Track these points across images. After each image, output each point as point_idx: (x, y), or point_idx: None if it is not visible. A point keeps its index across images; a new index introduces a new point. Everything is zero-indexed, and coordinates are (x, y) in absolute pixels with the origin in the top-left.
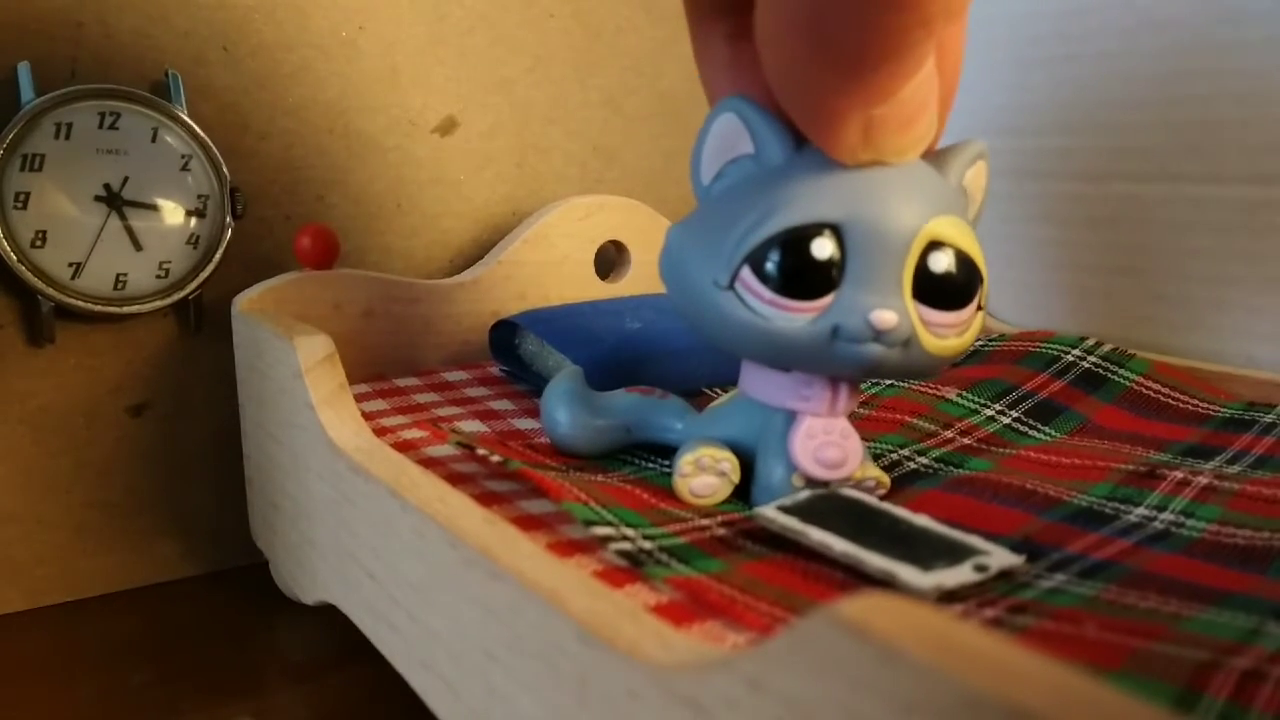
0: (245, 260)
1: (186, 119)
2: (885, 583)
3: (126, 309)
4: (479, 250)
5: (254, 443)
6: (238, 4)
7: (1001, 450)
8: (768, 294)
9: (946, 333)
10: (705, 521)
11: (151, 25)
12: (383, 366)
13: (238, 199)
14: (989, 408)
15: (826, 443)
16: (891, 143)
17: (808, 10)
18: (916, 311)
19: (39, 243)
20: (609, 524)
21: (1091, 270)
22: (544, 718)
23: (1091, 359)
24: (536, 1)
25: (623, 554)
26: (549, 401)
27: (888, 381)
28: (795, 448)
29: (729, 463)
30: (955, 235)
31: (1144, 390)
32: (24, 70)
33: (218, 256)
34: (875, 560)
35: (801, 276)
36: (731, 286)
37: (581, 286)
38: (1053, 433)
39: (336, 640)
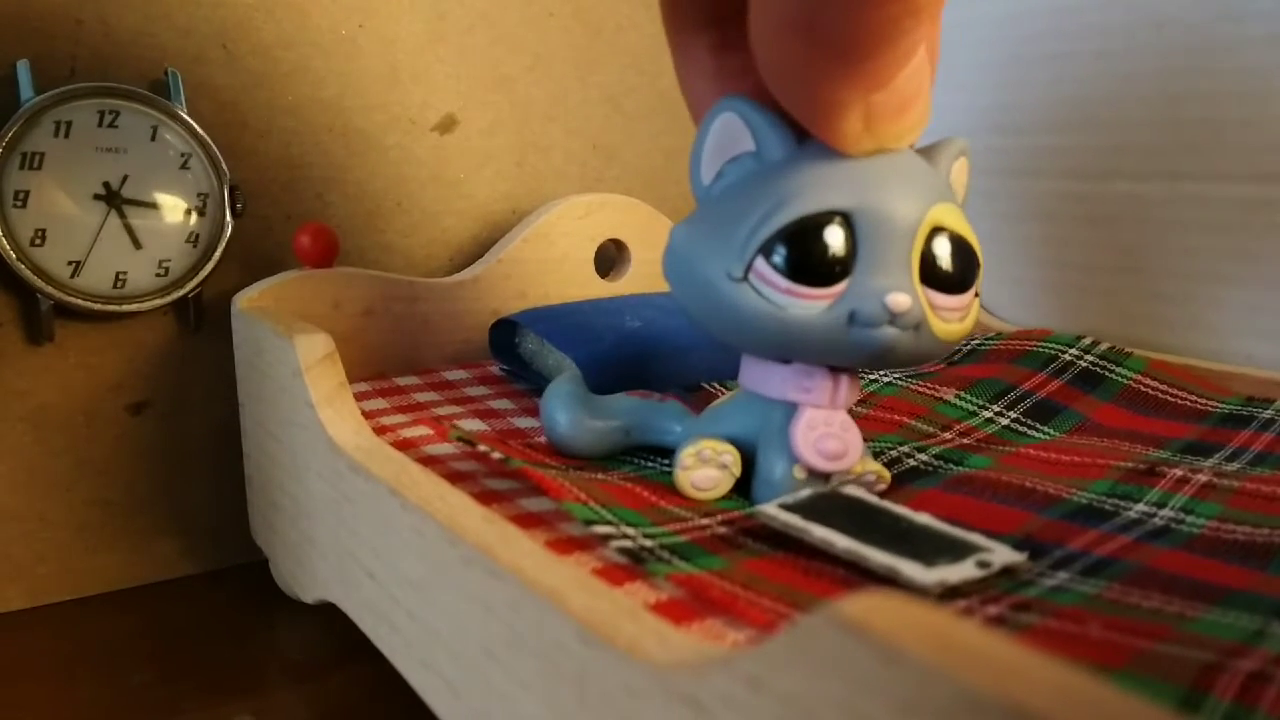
0: (245, 258)
1: (186, 117)
2: (888, 579)
3: (126, 307)
4: (479, 249)
5: (254, 441)
6: (237, 2)
7: (1001, 449)
8: (784, 283)
9: (951, 316)
10: (705, 520)
11: (151, 23)
12: (382, 365)
13: (237, 197)
14: (987, 409)
15: (827, 434)
16: (891, 128)
17: (800, 7)
18: (925, 296)
19: (38, 241)
20: (609, 523)
21: (1090, 269)
22: (544, 716)
23: (1089, 358)
24: None
25: (623, 551)
26: (548, 404)
27: (886, 380)
28: (796, 439)
29: (730, 455)
30: (955, 222)
31: (1142, 388)
32: (23, 68)
33: (217, 255)
34: (878, 556)
35: (817, 264)
36: (746, 278)
37: (581, 285)
38: (1052, 431)
39: (336, 639)
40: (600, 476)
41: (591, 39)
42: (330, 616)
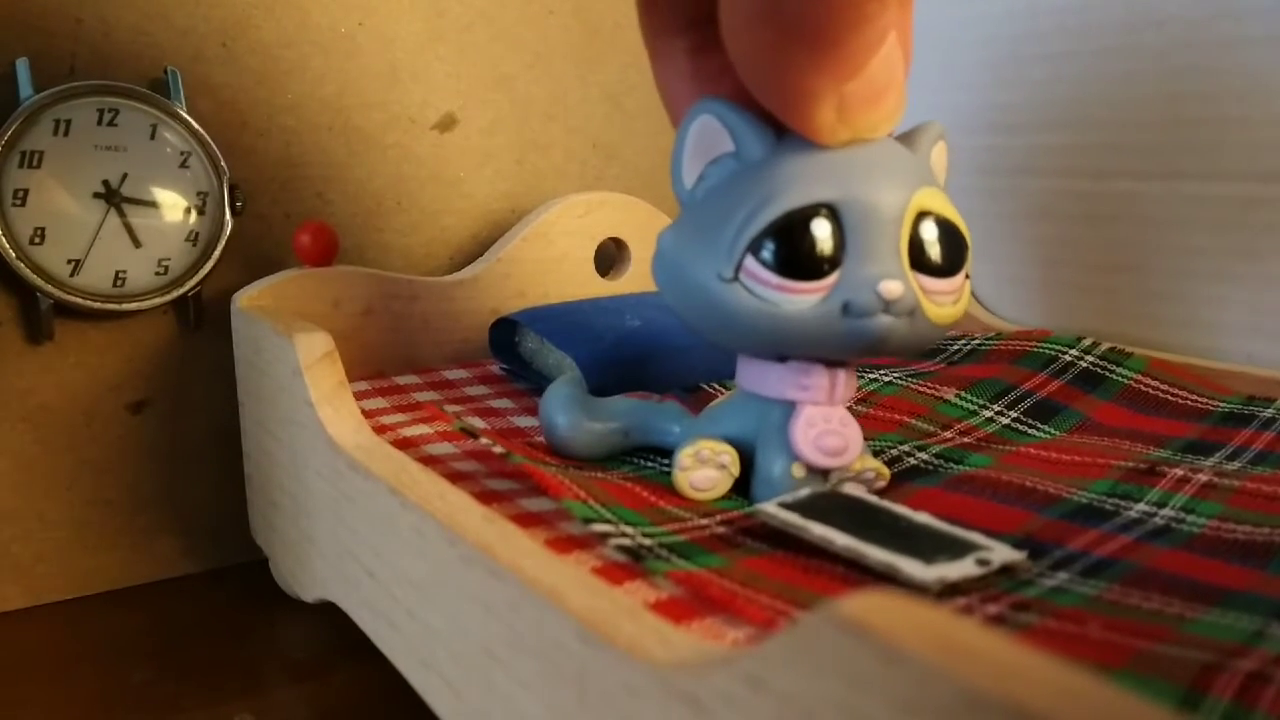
0: (244, 257)
1: (185, 116)
2: (887, 576)
3: (126, 306)
4: (478, 247)
5: (253, 440)
6: (236, 1)
7: (1001, 448)
8: (775, 279)
9: (944, 300)
10: (704, 520)
11: (150, 22)
12: (382, 364)
13: (237, 196)
14: (988, 408)
15: (827, 430)
16: (865, 118)
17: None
18: (916, 281)
19: (38, 240)
20: (608, 522)
21: (1090, 268)
22: (544, 715)
23: (1089, 358)
24: None
25: (622, 549)
26: (547, 406)
27: (886, 380)
28: (796, 436)
29: (729, 455)
30: (940, 205)
31: (1142, 387)
32: (23, 66)
33: (217, 253)
34: (877, 554)
35: (806, 257)
36: (736, 278)
37: (581, 284)
38: (1052, 431)
39: (336, 638)
40: (600, 475)
41: (591, 37)
42: (330, 615)
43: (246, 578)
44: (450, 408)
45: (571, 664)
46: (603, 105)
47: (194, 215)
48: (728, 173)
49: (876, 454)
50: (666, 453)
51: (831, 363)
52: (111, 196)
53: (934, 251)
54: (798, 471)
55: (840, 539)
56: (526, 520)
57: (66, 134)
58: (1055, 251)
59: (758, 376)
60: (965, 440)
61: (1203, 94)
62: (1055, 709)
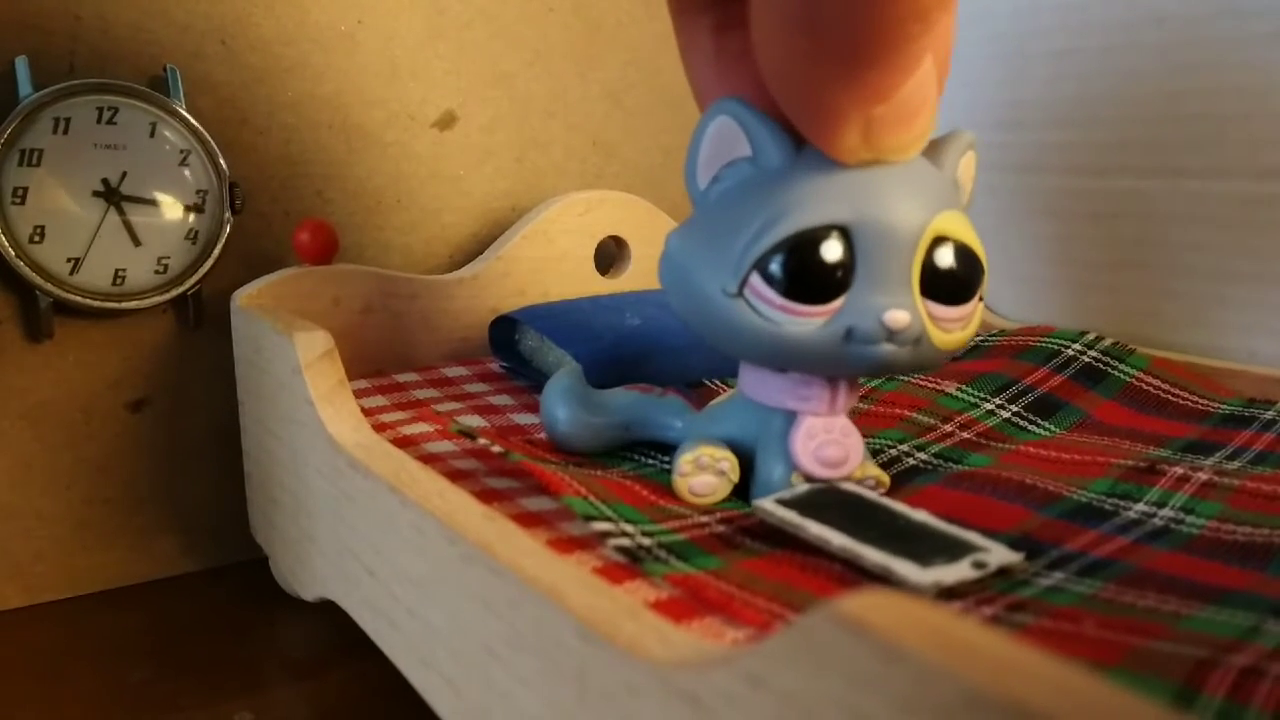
0: (244, 255)
1: (185, 114)
2: (883, 578)
3: (125, 304)
4: (478, 246)
5: (253, 438)
6: None
7: (1001, 445)
8: (779, 300)
9: (953, 326)
10: (704, 519)
11: (149, 20)
12: (382, 362)
13: (236, 194)
14: (988, 402)
15: (827, 441)
16: (891, 141)
17: (803, 5)
18: (925, 308)
19: (37, 238)
20: (608, 519)
21: (1092, 265)
22: (544, 714)
23: (1092, 354)
24: None
25: (622, 550)
26: (548, 400)
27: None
28: (796, 448)
29: (728, 462)
30: (958, 230)
31: (1144, 386)
32: (22, 65)
33: (216, 252)
34: (873, 555)
35: (813, 280)
36: (741, 294)
37: (581, 282)
38: (1052, 428)
39: (336, 636)
40: (600, 473)
41: (591, 34)
42: (330, 614)
43: (246, 576)
44: (443, 406)
45: (571, 662)
46: (603, 103)
47: (193, 213)
48: (742, 178)
49: (876, 454)
50: (667, 449)
51: (842, 375)
52: (111, 195)
53: (947, 279)
54: (797, 479)
55: (837, 539)
56: (527, 520)
57: (66, 132)
58: (1058, 248)
59: (758, 385)
60: (965, 436)
61: (1206, 91)
62: (1055, 707)
